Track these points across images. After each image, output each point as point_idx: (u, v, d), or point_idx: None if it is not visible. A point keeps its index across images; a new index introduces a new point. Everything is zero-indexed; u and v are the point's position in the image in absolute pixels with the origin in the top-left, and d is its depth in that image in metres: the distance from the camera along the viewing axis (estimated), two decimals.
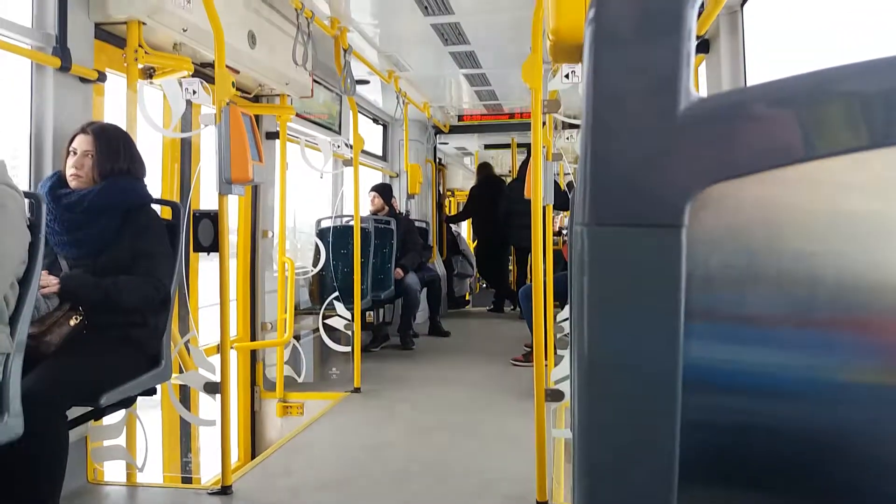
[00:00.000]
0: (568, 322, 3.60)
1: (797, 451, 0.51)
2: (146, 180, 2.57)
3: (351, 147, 4.52)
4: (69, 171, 2.40)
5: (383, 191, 6.02)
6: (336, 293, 4.56)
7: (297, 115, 4.44)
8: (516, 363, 5.06)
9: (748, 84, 3.03)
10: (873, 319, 0.50)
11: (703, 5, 2.86)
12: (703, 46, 3.18)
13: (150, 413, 3.12)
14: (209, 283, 3.41)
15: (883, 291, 0.50)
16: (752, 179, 0.49)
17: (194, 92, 2.84)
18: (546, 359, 2.80)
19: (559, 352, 3.63)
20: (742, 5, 3.12)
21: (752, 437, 0.51)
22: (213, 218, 2.87)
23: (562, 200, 4.79)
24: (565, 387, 2.76)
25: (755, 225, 0.50)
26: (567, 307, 3.65)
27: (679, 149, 0.49)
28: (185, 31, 2.94)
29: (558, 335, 3.75)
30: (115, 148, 2.43)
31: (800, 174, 0.49)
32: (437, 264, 7.39)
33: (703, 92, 0.53)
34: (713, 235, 0.50)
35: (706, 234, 0.49)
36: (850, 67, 0.51)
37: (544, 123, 3.52)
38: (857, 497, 0.51)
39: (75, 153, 2.40)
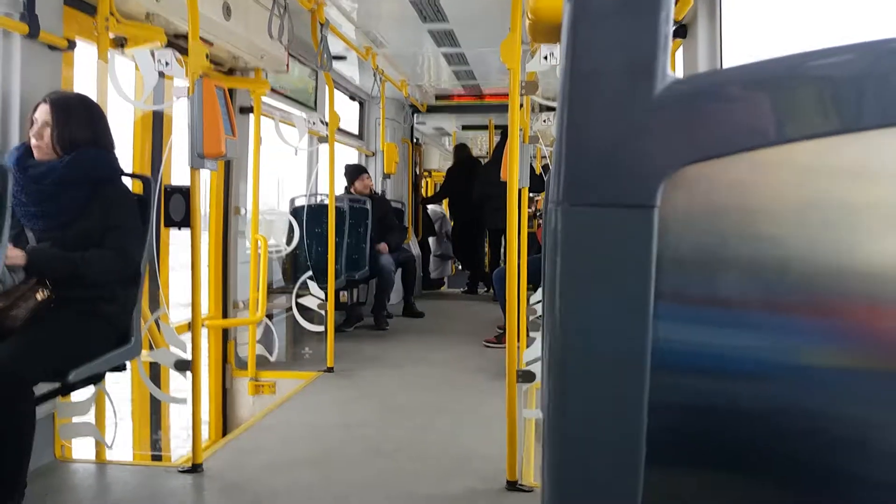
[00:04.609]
0: (540, 304, 3.63)
1: (763, 432, 0.52)
2: (116, 153, 2.52)
3: (326, 124, 4.47)
4: (31, 141, 2.34)
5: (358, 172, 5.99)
6: (310, 272, 4.53)
7: (272, 90, 4.37)
8: (489, 345, 5.08)
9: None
10: (841, 304, 0.51)
11: None
12: (681, 31, 3.19)
13: (120, 389, 3.10)
14: (180, 259, 3.37)
15: (851, 276, 0.51)
16: (726, 161, 0.49)
17: (167, 63, 2.78)
18: (518, 340, 2.81)
19: (531, 334, 3.65)
20: None
21: (718, 418, 0.52)
22: (185, 193, 2.83)
23: (537, 183, 4.80)
24: (537, 368, 2.78)
25: (727, 208, 0.50)
26: (540, 290, 3.67)
27: (654, 129, 0.49)
28: (157, 0, 2.87)
29: (531, 317, 3.78)
30: (74, 118, 2.36)
31: (772, 157, 0.49)
32: (413, 245, 7.38)
33: (680, 77, 0.53)
34: (685, 217, 0.50)
35: (678, 216, 0.50)
36: (824, 52, 0.51)
37: (521, 105, 3.51)
38: (824, 477, 0.52)
39: (36, 123, 2.35)
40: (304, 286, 4.48)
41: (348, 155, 6.78)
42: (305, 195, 5.51)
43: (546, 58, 2.89)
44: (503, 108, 7.54)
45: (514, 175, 2.64)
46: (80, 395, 2.66)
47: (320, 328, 4.45)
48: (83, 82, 2.88)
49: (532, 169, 4.50)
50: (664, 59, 0.49)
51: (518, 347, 2.81)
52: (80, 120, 2.38)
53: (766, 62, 0.49)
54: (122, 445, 3.23)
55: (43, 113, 2.34)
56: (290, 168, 5.60)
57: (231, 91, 3.93)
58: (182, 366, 2.77)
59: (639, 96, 0.49)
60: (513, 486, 2.57)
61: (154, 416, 3.67)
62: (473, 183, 7.32)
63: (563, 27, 0.50)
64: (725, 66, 3.09)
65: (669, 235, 0.50)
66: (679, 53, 3.35)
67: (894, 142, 0.49)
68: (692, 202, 0.50)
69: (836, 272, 0.51)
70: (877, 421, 0.50)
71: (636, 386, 0.51)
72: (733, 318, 0.52)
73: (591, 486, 0.54)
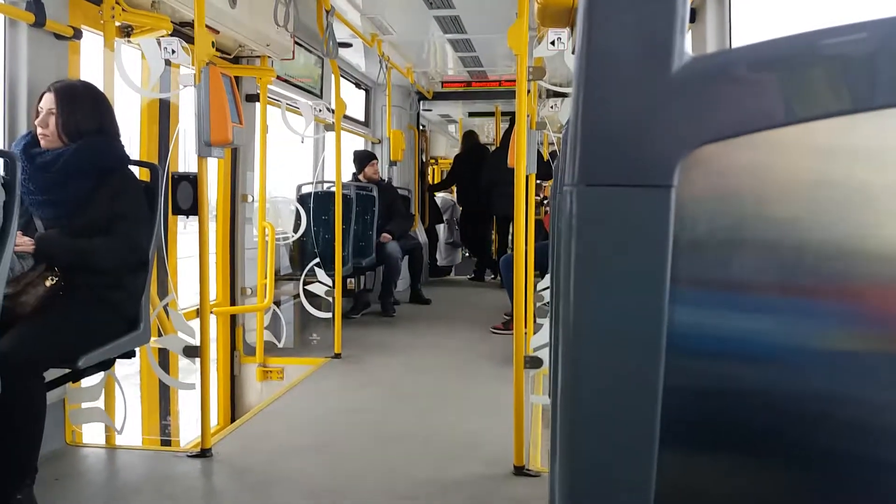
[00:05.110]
0: (548, 291, 3.63)
1: (779, 416, 0.51)
2: (124, 141, 2.52)
3: (333, 111, 4.46)
4: (37, 130, 2.34)
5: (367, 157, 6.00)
6: (317, 259, 4.54)
7: (278, 77, 4.36)
8: (496, 331, 5.09)
9: None
10: (857, 286, 0.51)
11: None
12: (690, 15, 3.16)
13: (130, 376, 3.12)
14: (188, 246, 3.38)
15: (868, 258, 0.50)
16: (742, 141, 0.48)
17: (173, 51, 2.78)
18: (525, 327, 2.82)
19: (538, 320, 3.65)
20: None
21: (734, 402, 0.52)
22: (193, 180, 2.83)
23: (544, 170, 4.78)
24: (544, 354, 2.78)
25: (743, 188, 0.50)
26: (547, 276, 3.67)
27: (671, 109, 0.49)
28: None
29: (538, 304, 3.78)
30: (79, 106, 2.36)
31: (789, 137, 0.49)
32: (419, 232, 7.37)
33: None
34: (702, 198, 0.50)
35: (695, 196, 0.49)
36: (838, 30, 0.50)
37: (529, 91, 3.50)
38: (839, 461, 0.52)
39: (41, 112, 2.35)
40: (312, 273, 4.49)
41: (354, 142, 6.77)
42: (312, 182, 5.51)
43: (553, 43, 2.87)
44: (510, 95, 7.51)
45: (522, 161, 2.63)
46: (90, 381, 2.67)
47: (328, 315, 4.46)
48: (90, 71, 2.88)
49: (539, 155, 4.48)
50: (681, 38, 0.48)
51: (525, 333, 2.82)
52: (85, 108, 2.38)
53: (782, 40, 0.49)
54: (132, 431, 3.26)
55: (48, 101, 2.34)
56: (296, 155, 5.60)
57: (237, 79, 3.92)
58: (190, 352, 2.79)
59: (656, 76, 0.48)
60: (520, 470, 2.58)
61: (163, 401, 3.69)
62: (481, 170, 7.29)
63: (580, 8, 0.49)
64: None
65: (686, 216, 0.49)
66: (688, 38, 3.32)
67: None
68: (709, 182, 0.50)
69: (853, 254, 0.50)
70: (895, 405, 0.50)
71: (651, 369, 0.50)
72: (750, 302, 0.52)
73: (604, 470, 0.54)
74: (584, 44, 0.50)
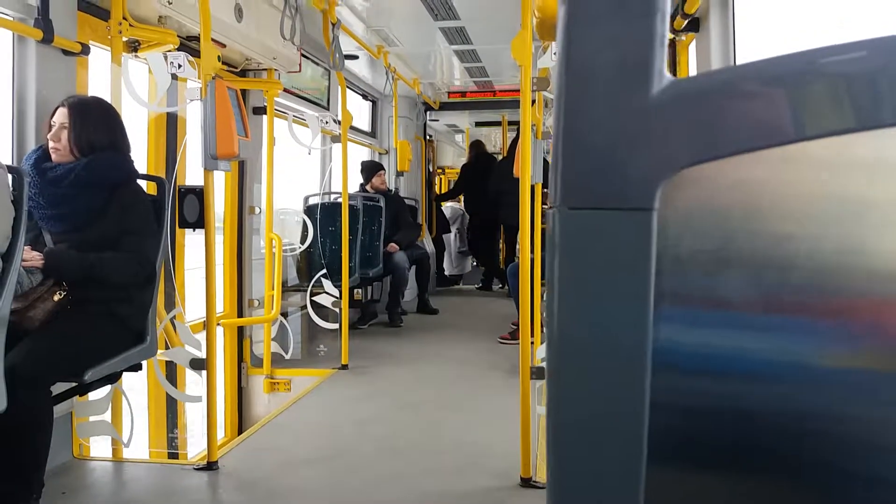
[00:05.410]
0: None
1: (765, 434, 0.51)
2: (131, 155, 2.55)
3: (339, 123, 4.48)
4: (49, 144, 2.37)
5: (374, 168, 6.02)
6: (324, 270, 4.55)
7: (285, 90, 4.39)
8: (503, 341, 5.08)
9: (738, 63, 3.01)
10: (846, 304, 0.51)
11: None
12: (693, 25, 3.16)
13: (137, 389, 3.13)
14: (195, 259, 3.39)
15: (856, 276, 0.50)
16: (724, 163, 0.49)
17: (179, 66, 2.81)
18: (532, 337, 2.81)
19: (545, 330, 3.64)
20: None
21: (720, 419, 0.52)
22: (199, 194, 2.85)
23: None
24: None
25: (727, 209, 0.50)
26: None
27: (651, 131, 0.49)
28: (169, 3, 2.89)
29: (545, 314, 3.77)
30: (92, 121, 2.39)
31: (772, 158, 0.49)
32: (427, 242, 7.38)
33: (693, 71, 0.53)
34: (685, 218, 0.50)
35: (678, 218, 0.49)
36: (831, 49, 0.50)
37: (534, 101, 3.51)
38: (826, 479, 0.52)
39: (54, 126, 2.38)
40: (319, 284, 4.51)
41: (361, 153, 6.79)
42: (319, 193, 5.53)
43: (557, 54, 2.88)
44: (517, 104, 7.52)
45: (527, 171, 2.64)
46: (97, 394, 2.69)
47: (335, 326, 4.47)
48: (97, 86, 2.91)
49: (546, 164, 4.49)
50: (660, 60, 0.49)
51: (532, 344, 2.81)
52: (97, 123, 2.41)
53: (765, 61, 0.49)
54: (139, 444, 3.27)
55: (61, 116, 2.38)
56: (303, 167, 5.62)
57: (244, 92, 3.96)
58: (197, 364, 2.80)
59: (635, 98, 0.49)
60: (527, 482, 2.57)
61: (170, 414, 3.70)
62: (488, 179, 7.30)
63: (559, 28, 0.50)
64: (739, 60, 3.06)
65: (669, 237, 0.49)
66: (692, 48, 3.32)
67: None
68: (691, 204, 0.50)
69: (842, 271, 0.50)
70: (882, 422, 0.50)
71: (637, 387, 0.51)
72: (734, 320, 0.52)
73: (593, 484, 0.54)
74: (563, 66, 0.50)
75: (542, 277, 3.99)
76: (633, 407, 0.50)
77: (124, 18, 2.79)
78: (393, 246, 5.79)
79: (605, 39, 0.49)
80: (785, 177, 0.49)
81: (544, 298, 3.86)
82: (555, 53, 2.89)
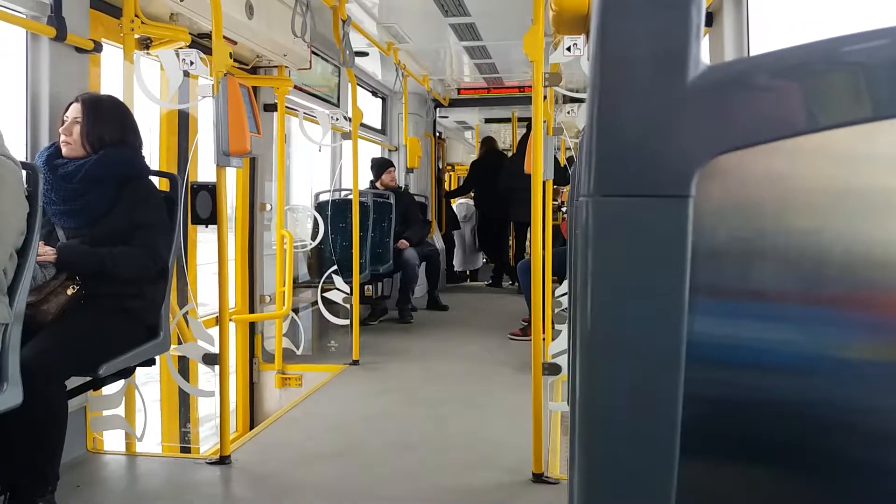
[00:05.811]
0: (566, 297, 3.61)
1: (800, 427, 0.51)
2: (144, 152, 2.56)
3: (349, 120, 4.48)
4: (61, 138, 2.39)
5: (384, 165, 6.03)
6: (334, 267, 4.56)
7: (296, 87, 4.40)
8: (514, 337, 5.07)
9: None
10: (881, 296, 0.50)
11: None
12: (707, 19, 3.14)
13: (149, 383, 3.14)
14: (208, 255, 3.40)
15: (892, 268, 0.49)
16: (761, 150, 0.48)
17: (191, 63, 2.81)
18: (543, 333, 2.80)
19: (557, 326, 3.64)
20: None
21: (754, 413, 0.51)
22: (211, 190, 2.86)
23: (561, 176, 4.77)
24: (562, 361, 2.77)
25: (763, 197, 0.49)
26: (565, 282, 3.65)
27: (688, 118, 0.48)
28: (181, 0, 2.90)
29: (556, 310, 3.76)
30: (104, 117, 2.41)
31: (808, 146, 0.48)
32: (437, 239, 7.38)
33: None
34: (720, 207, 0.49)
35: (713, 206, 0.49)
36: (858, 37, 0.50)
37: (545, 97, 3.49)
38: (861, 474, 0.51)
39: (67, 121, 2.39)
40: (330, 280, 4.52)
41: (371, 150, 6.80)
42: (329, 190, 5.54)
43: (569, 49, 2.87)
44: (526, 101, 7.51)
45: (538, 167, 2.63)
46: (111, 388, 2.70)
47: (346, 322, 4.48)
48: (110, 83, 2.92)
49: (556, 161, 4.48)
50: (697, 45, 0.48)
51: (543, 340, 2.80)
52: (110, 119, 2.42)
53: (800, 47, 0.48)
54: (152, 438, 3.28)
55: (74, 111, 2.39)
56: (313, 163, 5.63)
57: (255, 89, 3.96)
58: (210, 359, 2.81)
59: (672, 83, 0.48)
60: (539, 478, 2.56)
61: (183, 409, 3.72)
62: (499, 176, 7.29)
63: (593, 16, 0.49)
64: (752, 54, 3.04)
65: (705, 226, 0.49)
66: (706, 42, 3.30)
67: None
68: (728, 192, 0.49)
69: (877, 263, 0.50)
70: None
71: (670, 380, 0.50)
72: (770, 312, 0.51)
73: (624, 479, 0.54)
74: (598, 53, 0.49)
75: (553, 273, 3.98)
76: (666, 400, 0.50)
77: (136, 16, 2.80)
78: (403, 242, 5.80)
79: (640, 26, 0.49)
80: (822, 164, 0.49)
81: (555, 295, 3.85)
82: (567, 49, 2.89)
